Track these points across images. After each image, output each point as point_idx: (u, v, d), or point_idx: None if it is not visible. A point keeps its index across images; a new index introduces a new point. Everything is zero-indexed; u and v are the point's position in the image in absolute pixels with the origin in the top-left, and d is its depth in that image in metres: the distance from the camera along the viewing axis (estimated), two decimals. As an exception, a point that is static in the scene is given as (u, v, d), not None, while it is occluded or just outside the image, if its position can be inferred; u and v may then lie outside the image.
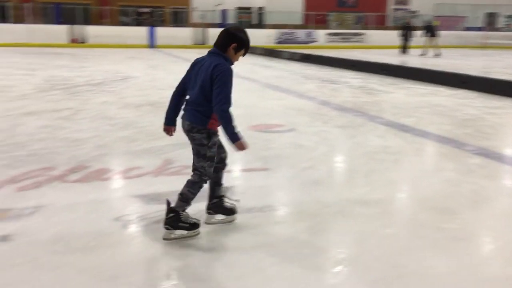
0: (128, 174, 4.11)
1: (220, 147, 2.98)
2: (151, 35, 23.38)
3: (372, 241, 2.91)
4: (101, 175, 4.05)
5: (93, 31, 23.05)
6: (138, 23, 26.74)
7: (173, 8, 29.49)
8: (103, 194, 3.68)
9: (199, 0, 30.09)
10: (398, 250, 2.79)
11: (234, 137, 2.73)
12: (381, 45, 25.56)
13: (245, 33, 2.87)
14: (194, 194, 2.87)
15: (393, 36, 22.78)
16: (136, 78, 11.08)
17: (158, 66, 14.46)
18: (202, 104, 2.76)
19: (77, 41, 22.64)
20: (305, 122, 6.51)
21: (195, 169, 2.88)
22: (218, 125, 2.82)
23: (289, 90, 9.62)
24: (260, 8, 30.24)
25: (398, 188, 4.04)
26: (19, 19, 24.04)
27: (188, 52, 20.06)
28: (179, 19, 28.88)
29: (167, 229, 2.84)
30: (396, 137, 5.69)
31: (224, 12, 28.67)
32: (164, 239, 2.83)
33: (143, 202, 3.45)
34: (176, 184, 3.82)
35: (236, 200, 3.20)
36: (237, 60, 2.91)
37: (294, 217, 3.33)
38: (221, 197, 3.11)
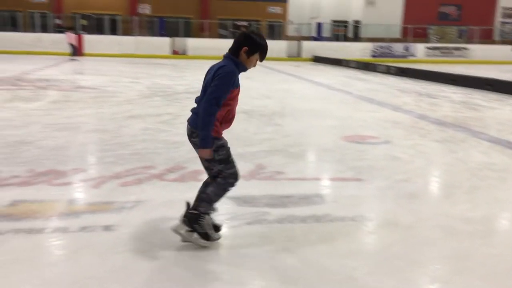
0: (222, 176, 4.20)
1: None
2: (247, 48, 23.99)
3: (474, 260, 2.71)
4: (196, 175, 4.19)
5: (192, 43, 24.17)
6: (235, 36, 27.60)
7: (269, 21, 30.07)
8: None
9: (295, 14, 30.43)
10: (504, 272, 2.57)
11: (206, 142, 2.58)
12: (486, 60, 24.06)
13: (260, 36, 2.72)
14: (219, 197, 2.75)
15: (501, 51, 21.31)
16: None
17: (252, 77, 14.76)
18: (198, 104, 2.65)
19: (178, 53, 23.87)
20: (401, 135, 6.27)
21: (214, 176, 2.76)
22: (222, 129, 2.70)
23: (384, 103, 9.35)
24: (357, 22, 29.87)
25: (505, 207, 3.73)
26: (127, 32, 25.87)
27: (282, 64, 20.30)
28: (275, 32, 29.37)
29: (183, 222, 2.74)
30: (502, 154, 5.29)
31: (319, 25, 28.70)
32: (173, 229, 2.76)
33: (235, 204, 3.51)
34: (268, 188, 3.89)
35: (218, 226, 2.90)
36: (252, 65, 2.73)
37: (387, 228, 3.20)
38: (200, 213, 2.77)
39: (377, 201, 3.74)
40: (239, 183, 3.98)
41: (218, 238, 2.84)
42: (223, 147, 2.72)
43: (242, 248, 2.80)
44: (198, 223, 2.73)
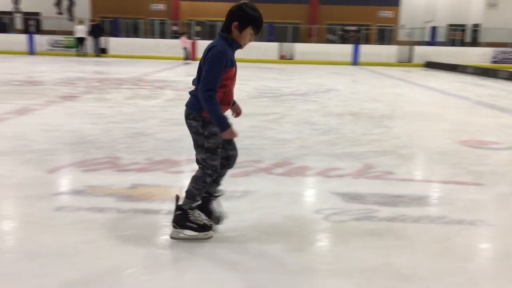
0: (329, 173, 4.15)
1: (229, 143, 2.70)
2: (355, 52, 23.59)
3: None
4: (303, 171, 4.18)
5: (300, 48, 24.30)
6: (343, 41, 27.24)
7: (380, 26, 29.29)
8: (304, 188, 3.83)
9: (407, 18, 29.30)
10: None
11: (222, 126, 2.46)
12: None
13: (251, 8, 2.49)
14: (199, 190, 2.65)
15: None
16: (339, 91, 11.26)
17: (360, 81, 14.48)
18: (198, 89, 2.53)
19: (285, 58, 24.14)
20: (527, 142, 5.73)
21: (197, 162, 2.67)
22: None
23: (507, 109, 8.62)
24: (476, 25, 27.97)
25: None
26: (237, 38, 26.75)
27: (392, 69, 19.63)
28: (385, 37, 28.54)
29: (174, 227, 2.67)
30: None
31: (433, 30, 27.33)
32: (171, 237, 2.67)
33: (343, 200, 3.44)
34: (377, 187, 3.76)
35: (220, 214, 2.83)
36: (247, 40, 2.54)
37: (511, 234, 2.92)
38: (210, 195, 2.79)
39: (499, 207, 3.44)
40: (347, 180, 3.94)
41: (210, 237, 2.70)
42: (215, 136, 2.57)
43: (350, 243, 2.72)
44: (189, 220, 2.65)
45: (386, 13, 29.69)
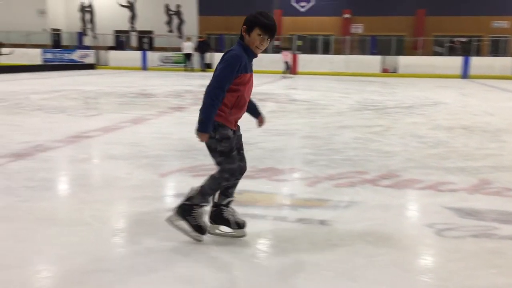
0: (440, 187, 3.92)
1: (237, 153, 2.67)
2: (465, 65, 22.28)
3: None
4: (411, 184, 4.01)
5: (404, 61, 23.50)
6: (452, 53, 25.84)
7: (493, 36, 27.39)
8: (414, 201, 3.67)
9: (525, 27, 27.10)
10: None
11: (202, 125, 2.49)
12: None
13: (259, 12, 2.51)
14: (212, 190, 2.65)
15: None
16: (447, 104, 10.69)
17: (470, 94, 13.63)
18: None
19: (388, 71, 23.48)
20: None
21: (216, 164, 2.64)
22: (232, 120, 2.58)
23: None
24: None
25: None
26: (338, 51, 26.56)
27: (506, 83, 18.24)
28: (499, 48, 26.61)
29: (175, 213, 2.69)
30: None
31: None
32: (167, 220, 2.72)
33: (457, 215, 3.23)
34: (496, 203, 3.49)
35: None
36: (257, 42, 2.50)
37: None
38: (220, 206, 2.74)
39: None
40: (461, 195, 3.68)
41: (243, 235, 2.74)
42: (228, 139, 2.57)
43: (469, 260, 2.54)
44: (191, 214, 2.66)
45: (501, 23, 27.72)
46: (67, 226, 2.91)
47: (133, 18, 31.08)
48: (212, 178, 2.65)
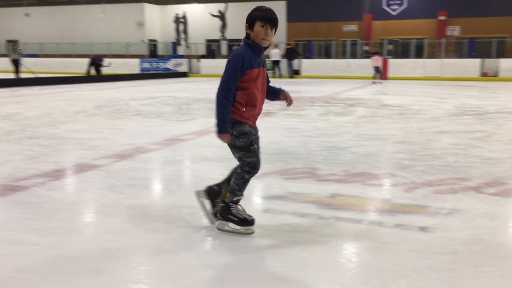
0: (555, 197, 3.58)
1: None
2: None
3: None
4: (522, 192, 3.69)
5: (506, 64, 21.91)
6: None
7: None
8: (525, 211, 3.36)
9: None
10: None
11: (220, 127, 2.60)
12: None
13: (255, 8, 2.64)
14: (239, 186, 2.76)
15: None
16: (558, 109, 9.78)
17: None
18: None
19: (487, 75, 22.04)
20: None
21: (237, 159, 2.77)
22: (248, 117, 2.67)
23: None
24: None
25: None
26: (432, 55, 25.40)
27: None
28: None
29: (219, 219, 2.83)
30: None
31: None
32: (217, 228, 2.83)
33: None
34: None
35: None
36: (262, 34, 2.60)
37: None
38: (227, 203, 2.82)
39: None
40: None
41: (251, 233, 2.79)
42: (245, 135, 2.67)
43: None
44: (231, 213, 2.79)
45: None
46: (167, 222, 3.02)
47: (223, 27, 32.05)
48: (236, 174, 2.79)
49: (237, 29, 30.84)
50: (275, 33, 2.69)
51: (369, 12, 27.69)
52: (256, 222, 2.87)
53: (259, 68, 2.68)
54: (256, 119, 2.80)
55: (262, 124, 7.80)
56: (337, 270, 2.40)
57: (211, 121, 7.96)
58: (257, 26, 2.61)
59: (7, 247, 2.62)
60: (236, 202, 2.82)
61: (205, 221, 3.03)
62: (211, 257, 2.57)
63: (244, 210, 2.86)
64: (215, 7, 32.16)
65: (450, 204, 3.42)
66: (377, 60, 20.11)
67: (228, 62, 2.63)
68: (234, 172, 2.86)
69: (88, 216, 3.31)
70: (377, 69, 20.09)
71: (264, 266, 2.41)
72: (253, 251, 2.59)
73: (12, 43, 21.08)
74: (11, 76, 19.55)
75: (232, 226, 2.81)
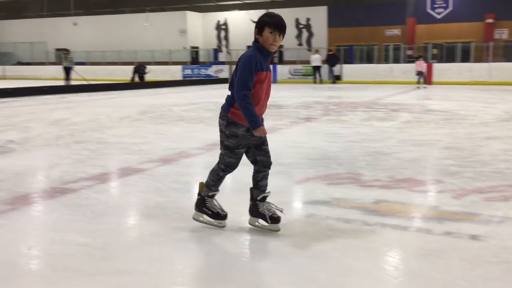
0: None
1: (259, 149, 2.88)
2: None
3: None
4: None
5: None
6: None
7: None
8: None
9: None
10: None
11: (253, 124, 2.68)
12: None
13: (265, 14, 2.79)
14: (214, 181, 2.92)
15: None
16: None
17: None
18: (231, 92, 2.79)
19: (538, 79, 21.12)
20: None
21: (219, 155, 2.91)
22: (243, 118, 2.73)
23: None
24: None
25: None
26: (479, 59, 24.59)
27: None
28: None
29: (195, 210, 3.00)
30: None
31: None
32: (193, 218, 3.00)
33: None
34: None
35: (279, 209, 2.94)
36: (271, 40, 2.73)
37: None
38: (255, 201, 2.94)
39: None
40: None
41: (277, 230, 2.88)
42: (236, 137, 2.80)
43: None
44: (205, 206, 2.95)
45: None
46: (210, 226, 3.03)
47: (264, 33, 32.16)
48: (212, 170, 2.95)
49: (277, 35, 30.86)
50: (282, 38, 2.82)
51: (413, 16, 27.11)
52: (299, 227, 2.84)
53: (267, 72, 2.79)
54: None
55: (303, 129, 7.84)
56: (383, 277, 2.34)
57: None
58: (266, 32, 2.73)
59: (57, 247, 2.69)
60: (211, 197, 2.98)
61: (245, 224, 3.03)
62: (254, 262, 2.55)
63: (219, 205, 2.99)
64: (256, 14, 32.33)
65: (502, 211, 3.28)
66: (421, 65, 19.66)
67: (242, 64, 2.71)
68: (254, 178, 2.99)
69: (133, 218, 3.37)
70: (420, 73, 19.63)
71: (307, 272, 2.37)
72: (296, 257, 2.55)
73: (64, 52, 21.91)
74: (61, 83, 20.30)
75: (206, 218, 2.98)
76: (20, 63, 35.17)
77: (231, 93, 2.79)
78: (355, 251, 2.63)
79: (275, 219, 2.88)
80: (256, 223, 2.94)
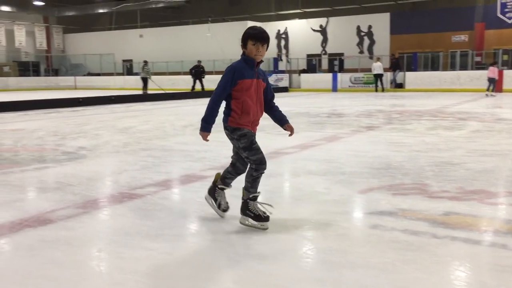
0: None
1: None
2: None
3: None
4: None
5: None
6: None
7: None
8: None
9: None
10: None
11: (202, 126, 3.05)
12: None
13: (248, 27, 3.04)
14: (251, 183, 3.04)
15: None
16: None
17: None
18: (225, 104, 3.08)
19: None
20: None
21: (245, 159, 3.06)
22: (244, 123, 3.00)
23: None
24: None
25: None
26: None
27: None
28: None
29: (241, 214, 3.09)
30: None
31: None
32: (240, 222, 3.10)
33: None
34: None
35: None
36: (255, 52, 2.97)
37: None
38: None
39: None
40: None
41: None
42: (245, 136, 3.00)
43: None
44: (248, 209, 3.04)
45: None
46: (272, 233, 3.02)
47: (324, 41, 31.97)
48: (246, 173, 3.09)
49: (338, 43, 30.59)
50: (267, 48, 3.02)
51: (482, 21, 25.98)
52: (364, 237, 2.76)
53: (252, 79, 2.99)
54: (255, 125, 3.13)
55: (365, 138, 7.67)
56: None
57: (314, 135, 7.96)
58: (249, 44, 2.98)
59: (126, 251, 2.78)
60: (253, 199, 3.07)
61: (307, 233, 3.00)
62: (317, 271, 2.51)
63: (263, 208, 3.09)
64: (316, 22, 32.22)
65: None
66: (494, 71, 18.75)
67: (223, 75, 3.00)
68: (226, 171, 3.22)
69: (196, 225, 3.42)
70: (492, 80, 18.72)
71: (373, 284, 2.30)
72: (362, 267, 2.48)
73: (143, 63, 23.05)
74: (130, 92, 21.17)
75: (250, 221, 3.07)
76: (90, 74, 37.01)
77: (225, 104, 3.06)
78: (423, 264, 2.52)
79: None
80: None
